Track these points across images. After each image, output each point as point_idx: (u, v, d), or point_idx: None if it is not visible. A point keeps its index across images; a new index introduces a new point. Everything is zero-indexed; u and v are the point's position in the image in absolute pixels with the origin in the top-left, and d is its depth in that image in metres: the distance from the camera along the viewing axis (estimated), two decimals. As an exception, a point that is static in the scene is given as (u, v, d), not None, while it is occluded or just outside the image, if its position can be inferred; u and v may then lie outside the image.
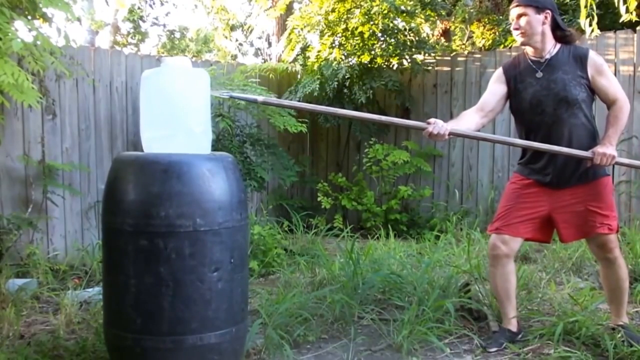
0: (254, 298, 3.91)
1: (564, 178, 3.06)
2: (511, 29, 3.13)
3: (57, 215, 5.11)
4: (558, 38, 3.08)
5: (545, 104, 3.02)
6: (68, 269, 4.65)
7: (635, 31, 5.69)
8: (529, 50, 3.11)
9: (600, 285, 4.22)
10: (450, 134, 2.98)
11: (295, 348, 3.15)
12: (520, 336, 3.24)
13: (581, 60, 3.02)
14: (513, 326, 3.23)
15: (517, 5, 3.03)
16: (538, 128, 3.06)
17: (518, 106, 3.14)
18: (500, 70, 3.21)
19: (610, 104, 3.04)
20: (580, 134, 3.01)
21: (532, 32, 3.01)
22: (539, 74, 3.05)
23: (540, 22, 3.01)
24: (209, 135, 2.77)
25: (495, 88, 3.19)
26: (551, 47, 3.06)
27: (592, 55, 3.04)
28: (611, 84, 3.03)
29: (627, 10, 5.09)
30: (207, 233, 2.49)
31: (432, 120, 2.99)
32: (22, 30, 3.63)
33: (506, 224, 3.15)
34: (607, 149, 2.91)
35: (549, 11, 3.01)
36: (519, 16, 3.02)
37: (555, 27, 3.06)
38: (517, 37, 3.09)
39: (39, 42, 3.65)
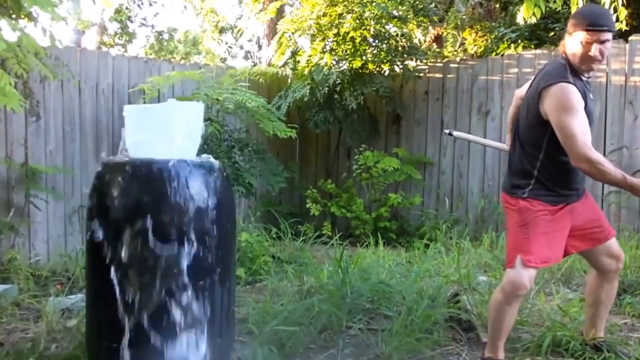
0: (241, 306, 3.86)
1: (582, 188, 2.99)
2: (594, 53, 2.72)
3: (40, 219, 5.03)
4: None
5: (592, 126, 2.83)
6: (50, 275, 4.57)
7: (627, 41, 5.70)
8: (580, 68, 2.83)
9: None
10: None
11: (283, 358, 3.11)
12: None
13: None
14: (502, 355, 3.03)
15: (607, 30, 2.72)
16: None
17: None
18: (578, 94, 2.73)
19: None
20: None
21: (604, 60, 2.81)
22: (590, 95, 2.85)
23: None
24: (196, 140, 2.72)
25: (585, 117, 2.76)
26: None
27: None
28: None
29: (618, 20, 5.09)
30: (193, 241, 2.45)
31: None
32: (5, 30, 3.55)
33: (552, 254, 2.91)
34: None
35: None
36: (603, 42, 2.72)
37: None
38: (591, 63, 2.78)
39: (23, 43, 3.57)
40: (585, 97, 2.75)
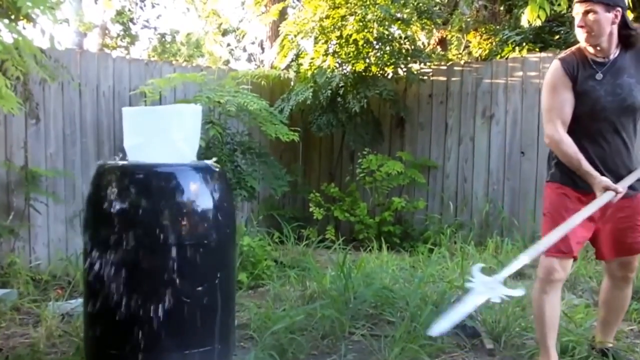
0: (243, 312, 3.84)
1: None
2: (575, 25, 2.76)
3: (40, 223, 5.00)
4: (622, 37, 2.76)
5: (610, 111, 2.74)
6: (50, 279, 4.56)
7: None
8: (589, 48, 2.77)
9: (595, 302, 4.16)
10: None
11: (284, 365, 3.09)
12: None
13: None
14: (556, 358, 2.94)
15: (584, 1, 2.69)
16: (597, 136, 2.76)
17: (576, 111, 2.77)
18: (561, 72, 2.77)
19: None
20: (633, 143, 2.80)
21: (599, 33, 2.68)
22: (599, 76, 2.75)
23: (610, 22, 2.68)
24: (195, 143, 2.69)
25: (567, 96, 2.76)
26: (614, 47, 2.76)
27: None
28: None
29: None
30: (192, 246, 2.46)
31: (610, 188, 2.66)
32: (3, 31, 3.51)
33: (571, 245, 2.81)
34: None
35: (619, 9, 2.69)
36: (586, 13, 2.68)
37: (622, 26, 2.74)
38: (580, 36, 2.74)
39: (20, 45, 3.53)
40: (576, 75, 2.75)
